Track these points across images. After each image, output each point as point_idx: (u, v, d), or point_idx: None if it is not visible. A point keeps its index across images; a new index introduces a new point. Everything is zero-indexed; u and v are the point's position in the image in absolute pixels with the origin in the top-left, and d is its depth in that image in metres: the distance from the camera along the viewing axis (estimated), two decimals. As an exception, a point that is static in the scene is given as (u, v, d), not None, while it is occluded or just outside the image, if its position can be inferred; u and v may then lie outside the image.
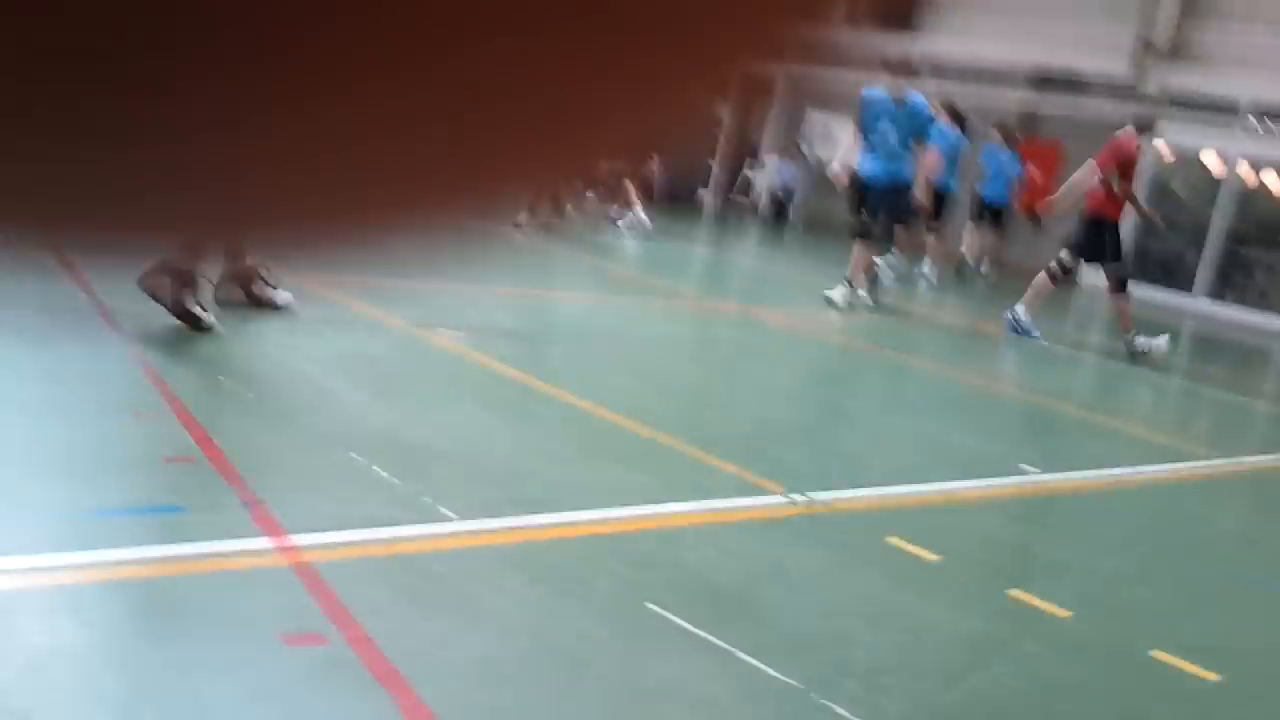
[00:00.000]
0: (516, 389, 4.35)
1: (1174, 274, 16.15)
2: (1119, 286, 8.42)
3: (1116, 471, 4.80)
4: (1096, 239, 8.25)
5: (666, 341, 6.19)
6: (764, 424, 4.70)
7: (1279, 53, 14.38)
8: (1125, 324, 8.45)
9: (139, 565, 2.24)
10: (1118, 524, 4.14)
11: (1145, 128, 8.42)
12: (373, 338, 4.73)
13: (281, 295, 4.75)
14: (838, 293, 8.16)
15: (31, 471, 2.68)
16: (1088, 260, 8.45)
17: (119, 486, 2.62)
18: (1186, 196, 16.47)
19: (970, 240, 15.47)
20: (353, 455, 3.11)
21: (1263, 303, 15.50)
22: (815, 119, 17.86)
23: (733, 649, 2.36)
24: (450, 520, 2.77)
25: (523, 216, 9.72)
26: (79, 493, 2.58)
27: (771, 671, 2.28)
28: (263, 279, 4.72)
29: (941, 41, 17.63)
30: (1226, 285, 15.78)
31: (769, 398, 5.26)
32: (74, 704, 1.76)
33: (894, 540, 3.27)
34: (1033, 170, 16.28)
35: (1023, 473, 4.40)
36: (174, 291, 4.15)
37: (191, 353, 3.93)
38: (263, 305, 4.73)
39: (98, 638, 1.96)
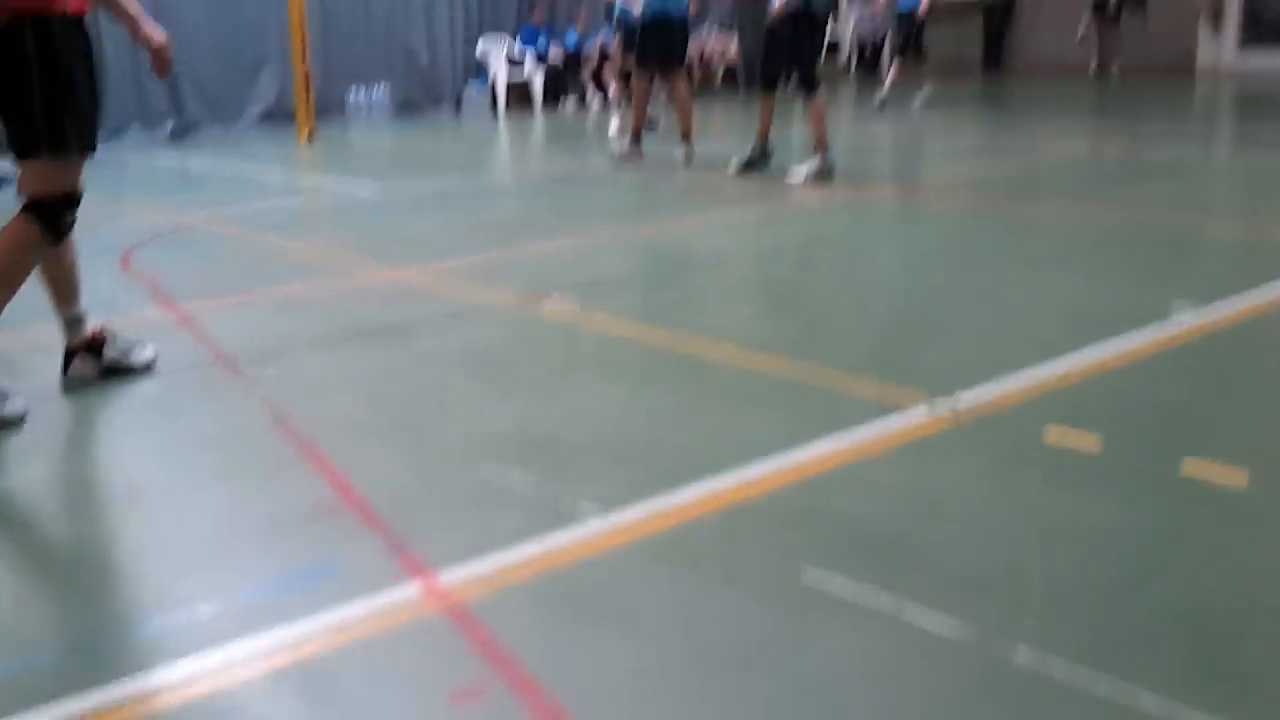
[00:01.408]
0: (636, 347, 4.28)
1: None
2: None
3: (1276, 288, 4.51)
4: None
5: (777, 252, 6.03)
6: (891, 324, 4.54)
7: None
8: None
9: (300, 644, 2.26)
10: (1288, 353, 3.89)
11: None
12: (484, 323, 4.71)
13: (140, 353, 4.09)
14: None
15: (173, 558, 2.74)
16: None
17: (264, 559, 2.66)
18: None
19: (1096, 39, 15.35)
20: (486, 465, 3.10)
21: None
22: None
23: (903, 603, 2.27)
24: (592, 518, 2.74)
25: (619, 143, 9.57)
26: (229, 576, 2.63)
27: (946, 625, 2.20)
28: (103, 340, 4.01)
29: None
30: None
31: (898, 289, 5.08)
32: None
33: (1050, 433, 3.12)
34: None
35: (1176, 316, 4.16)
36: None
37: (317, 386, 3.96)
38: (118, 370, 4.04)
39: (274, 737, 1.99)
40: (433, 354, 4.27)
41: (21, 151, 3.60)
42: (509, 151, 11.94)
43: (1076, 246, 5.76)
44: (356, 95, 14.40)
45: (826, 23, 8.18)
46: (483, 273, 5.61)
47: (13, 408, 3.60)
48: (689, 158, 8.91)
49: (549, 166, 10.38)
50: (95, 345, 4.03)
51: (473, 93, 15.24)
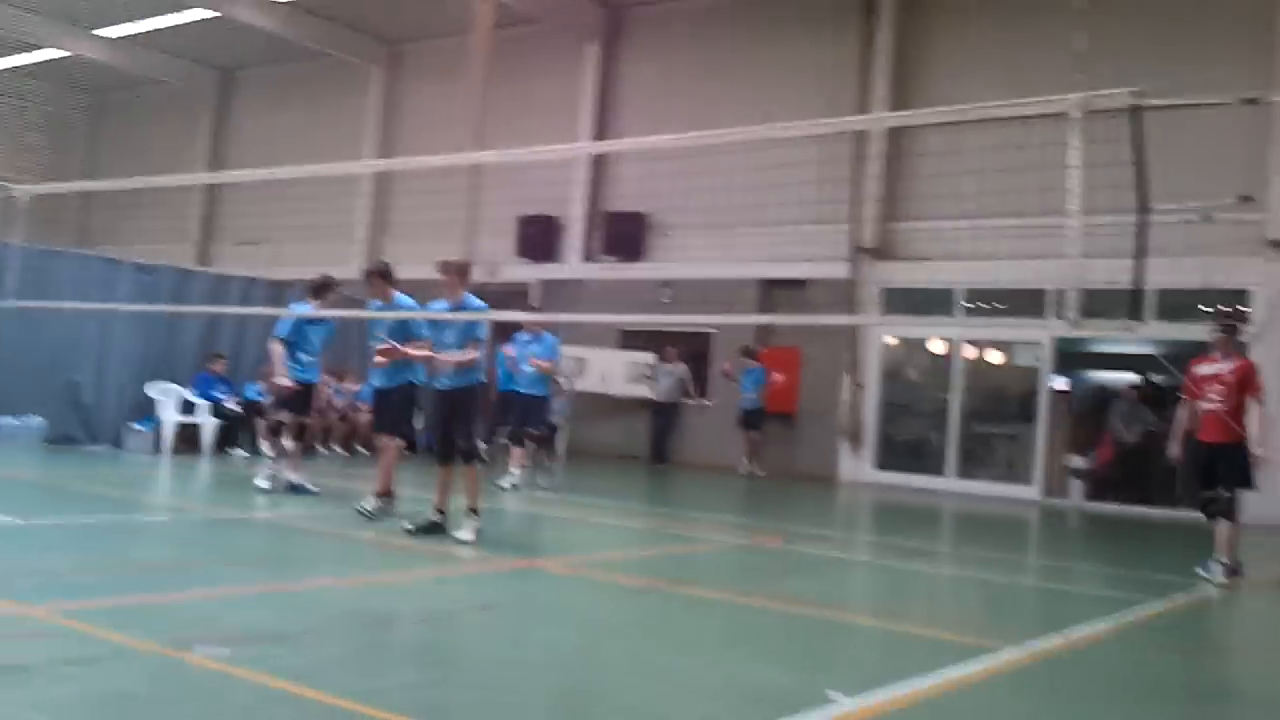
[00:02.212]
0: (294, 707, 3.98)
1: (921, 458, 16.97)
2: None
3: (918, 682, 4.79)
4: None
5: (450, 615, 5.90)
6: (563, 696, 4.47)
7: (977, 244, 15.67)
8: None
9: None
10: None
11: None
12: (117, 670, 4.27)
13: None
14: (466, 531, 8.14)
15: None
16: None
17: None
18: (922, 383, 17.52)
19: (745, 447, 16.89)
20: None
21: (1007, 474, 16.39)
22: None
23: None
24: None
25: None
26: None
27: None
28: None
29: (673, 266, 18.52)
30: (971, 462, 16.64)
31: (564, 662, 5.03)
32: None
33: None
34: (777, 376, 17.41)
35: (831, 701, 4.32)
36: None
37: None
38: None
39: None
40: (54, 699, 3.80)
41: None
42: (168, 493, 11.34)
43: (734, 630, 5.95)
44: (5, 422, 13.45)
45: (483, 400, 8.62)
46: (123, 616, 5.14)
47: None
48: (376, 513, 8.85)
49: (210, 511, 9.91)
50: None
51: (137, 432, 14.57)
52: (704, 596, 6.82)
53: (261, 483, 10.52)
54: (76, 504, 9.54)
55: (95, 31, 23.34)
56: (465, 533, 8.05)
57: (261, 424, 14.88)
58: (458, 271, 8.48)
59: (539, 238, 20.30)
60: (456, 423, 8.34)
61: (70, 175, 26.76)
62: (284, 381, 10.38)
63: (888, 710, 4.38)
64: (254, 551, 7.67)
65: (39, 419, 13.80)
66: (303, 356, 10.49)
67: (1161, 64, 14.32)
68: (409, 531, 8.28)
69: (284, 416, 10.69)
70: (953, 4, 17.26)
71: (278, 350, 10.45)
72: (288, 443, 10.58)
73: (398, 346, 8.89)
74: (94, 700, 3.85)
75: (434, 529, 8.29)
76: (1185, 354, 14.50)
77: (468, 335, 8.36)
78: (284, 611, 5.58)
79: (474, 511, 8.18)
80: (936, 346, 17.33)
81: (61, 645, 4.54)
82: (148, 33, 22.91)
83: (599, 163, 20.00)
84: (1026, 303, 15.28)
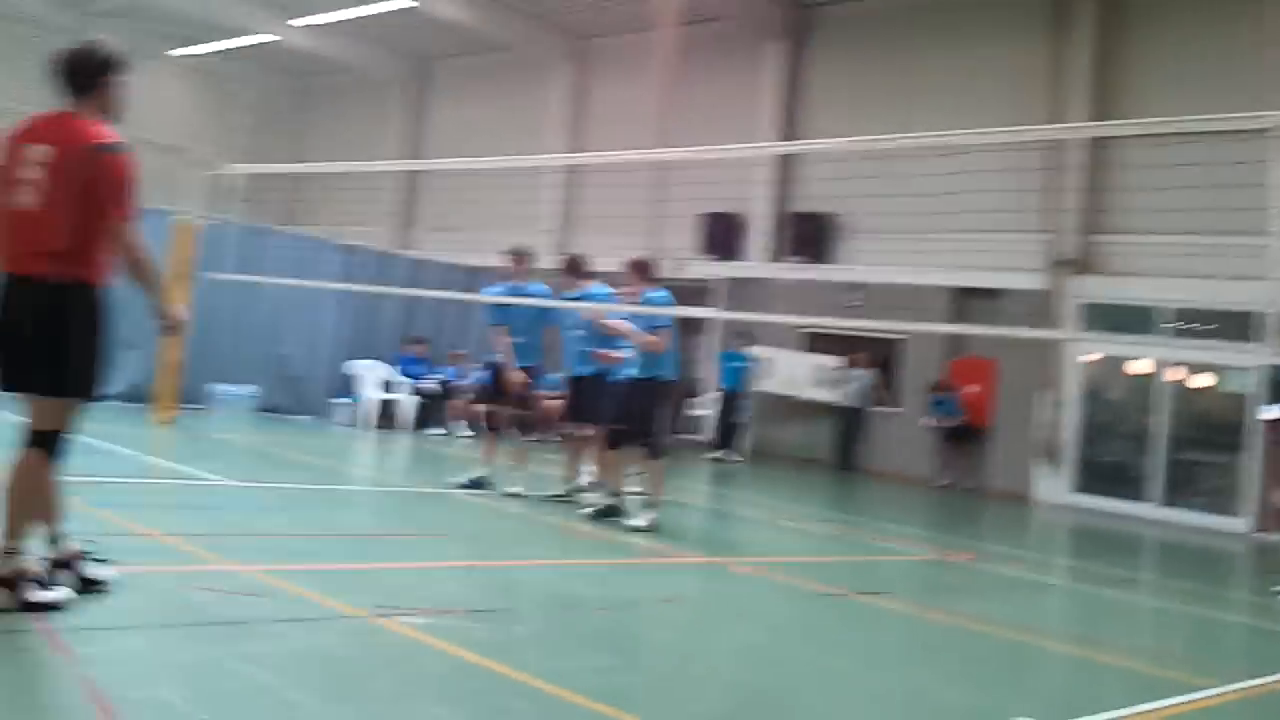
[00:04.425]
0: (484, 679, 4.12)
1: (1122, 482, 16.24)
2: None
3: (1111, 714, 4.62)
4: None
5: (635, 604, 5.99)
6: (746, 694, 4.49)
7: (1184, 261, 14.94)
8: None
9: None
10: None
11: None
12: (325, 631, 4.51)
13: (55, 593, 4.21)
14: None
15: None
16: None
17: None
18: (1124, 404, 16.76)
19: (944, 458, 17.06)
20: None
21: (1214, 505, 15.53)
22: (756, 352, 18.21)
23: None
24: None
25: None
26: None
27: None
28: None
29: (862, 270, 18.21)
30: (1176, 490, 15.83)
31: (747, 661, 5.05)
32: None
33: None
34: (970, 389, 17.08)
35: (1019, 728, 4.22)
36: None
37: (141, 671, 3.68)
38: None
39: None
40: (268, 655, 4.04)
41: (47, 391, 4.12)
42: (370, 466, 11.84)
43: (920, 645, 5.85)
44: (223, 390, 14.28)
45: (671, 395, 8.62)
46: (329, 580, 5.41)
47: None
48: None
49: (409, 485, 10.30)
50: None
51: (342, 406, 15.26)
52: (890, 608, 6.72)
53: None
54: (287, 471, 10.06)
55: (302, 19, 24.38)
56: (640, 520, 8.16)
57: (458, 406, 15.36)
58: (636, 269, 8.61)
59: (722, 235, 20.26)
60: (638, 415, 8.39)
61: (276, 157, 28.09)
62: (512, 373, 9.32)
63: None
64: (448, 527, 7.94)
65: (252, 388, 14.58)
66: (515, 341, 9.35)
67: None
68: (589, 517, 8.44)
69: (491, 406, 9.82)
70: (1155, 9, 16.46)
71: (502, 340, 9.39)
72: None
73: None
74: (300, 658, 4.08)
75: (612, 512, 8.44)
76: None
77: (650, 329, 8.41)
78: (478, 588, 5.77)
79: (653, 505, 8.29)
80: (1139, 366, 16.57)
81: (272, 604, 4.81)
82: (349, 21, 23.86)
83: (785, 162, 19.79)
84: (1235, 325, 14.47)
